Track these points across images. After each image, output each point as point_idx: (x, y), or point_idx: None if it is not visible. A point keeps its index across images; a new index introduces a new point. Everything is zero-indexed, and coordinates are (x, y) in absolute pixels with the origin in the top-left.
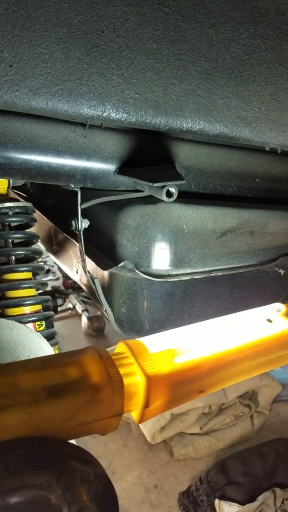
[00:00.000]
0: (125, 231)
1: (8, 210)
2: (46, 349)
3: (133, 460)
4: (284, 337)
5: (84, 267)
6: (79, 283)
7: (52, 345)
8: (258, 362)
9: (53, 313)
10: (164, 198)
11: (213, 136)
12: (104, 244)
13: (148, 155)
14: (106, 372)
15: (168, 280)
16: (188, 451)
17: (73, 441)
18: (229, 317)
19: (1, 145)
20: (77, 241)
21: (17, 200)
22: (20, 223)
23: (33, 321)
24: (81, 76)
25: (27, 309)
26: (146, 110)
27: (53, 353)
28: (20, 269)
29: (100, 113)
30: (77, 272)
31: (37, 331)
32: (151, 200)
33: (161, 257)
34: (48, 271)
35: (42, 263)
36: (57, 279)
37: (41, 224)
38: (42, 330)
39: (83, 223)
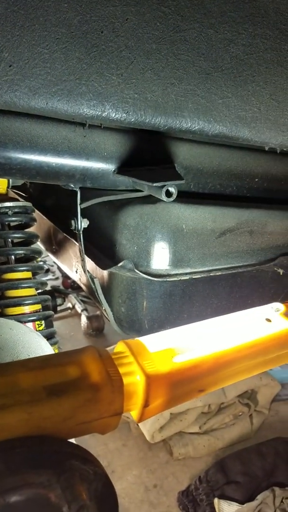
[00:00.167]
0: (125, 231)
1: (7, 210)
2: (45, 349)
3: (133, 459)
4: (283, 337)
5: (83, 266)
6: (78, 282)
7: (51, 344)
8: (257, 362)
9: (53, 312)
10: (164, 198)
11: (212, 136)
12: (104, 243)
13: (147, 155)
14: (106, 371)
15: (168, 279)
16: (187, 450)
17: (73, 440)
18: (228, 317)
19: (0, 145)
20: (76, 240)
21: (17, 200)
22: (20, 222)
23: (33, 321)
24: (80, 76)
25: (26, 309)
26: (145, 110)
27: (52, 352)
28: (20, 268)
29: (99, 113)
30: (76, 271)
31: (36, 330)
32: (150, 200)
33: (160, 257)
34: (47, 270)
35: (41, 263)
36: (57, 278)
37: (40, 223)
38: (42, 329)
39: (83, 223)
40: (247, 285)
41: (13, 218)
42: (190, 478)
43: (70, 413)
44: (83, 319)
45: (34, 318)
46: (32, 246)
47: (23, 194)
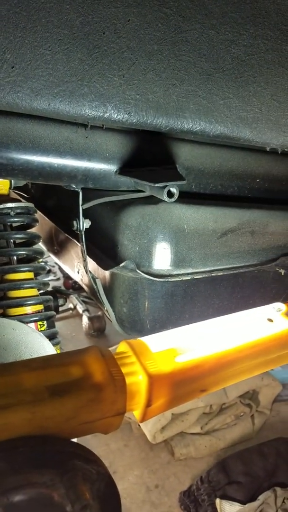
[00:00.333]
0: (126, 231)
1: (10, 211)
2: (48, 349)
3: (134, 460)
4: (284, 337)
5: (85, 267)
6: (80, 283)
7: (53, 345)
8: (259, 362)
9: (55, 313)
10: (165, 198)
11: (213, 136)
12: (106, 244)
13: (149, 155)
14: (109, 371)
15: (169, 280)
16: (189, 450)
17: (75, 440)
18: (230, 317)
19: (3, 146)
20: (78, 241)
21: (19, 201)
22: (22, 223)
23: (35, 321)
24: (82, 77)
25: (28, 309)
26: (147, 111)
27: (55, 352)
28: (22, 269)
29: (101, 114)
30: (78, 272)
31: (38, 331)
32: (152, 200)
33: (162, 257)
34: (49, 271)
35: (42, 264)
36: (58, 279)
37: (42, 224)
38: (44, 330)
39: (85, 223)
40: (248, 285)
41: (15, 219)
42: (191, 479)
43: (73, 413)
44: (85, 320)
45: (36, 318)
46: (34, 246)
47: (25, 195)
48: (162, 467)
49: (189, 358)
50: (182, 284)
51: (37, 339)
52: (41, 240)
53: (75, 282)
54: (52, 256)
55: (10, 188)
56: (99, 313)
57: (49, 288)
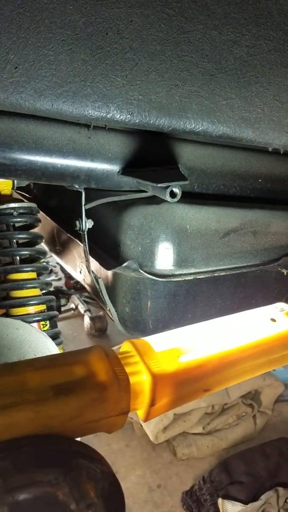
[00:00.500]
0: (129, 231)
1: (12, 211)
2: (51, 348)
3: (136, 460)
4: (287, 337)
5: (88, 267)
6: (82, 283)
7: (56, 344)
8: (262, 361)
9: (57, 313)
10: (168, 198)
11: (216, 137)
12: (108, 244)
13: (151, 155)
14: (113, 370)
15: (172, 280)
16: (191, 450)
17: (78, 439)
18: (233, 317)
19: (6, 146)
20: (81, 241)
21: (22, 201)
22: (25, 223)
23: (38, 321)
24: (85, 77)
25: (31, 309)
26: (149, 111)
27: (58, 352)
28: (25, 269)
29: (104, 114)
30: (80, 272)
31: (41, 330)
32: (154, 200)
33: (164, 257)
34: (50, 271)
35: (45, 263)
36: (59, 279)
37: (44, 224)
38: (47, 329)
39: (87, 223)
40: (251, 285)
41: (18, 219)
42: (193, 478)
43: (77, 412)
44: (86, 320)
45: (39, 318)
46: (37, 246)
47: (27, 195)
48: (164, 467)
49: (192, 358)
50: (184, 284)
51: (40, 338)
52: (43, 240)
53: (77, 282)
54: (54, 256)
55: (12, 188)
56: (101, 313)
57: (51, 288)
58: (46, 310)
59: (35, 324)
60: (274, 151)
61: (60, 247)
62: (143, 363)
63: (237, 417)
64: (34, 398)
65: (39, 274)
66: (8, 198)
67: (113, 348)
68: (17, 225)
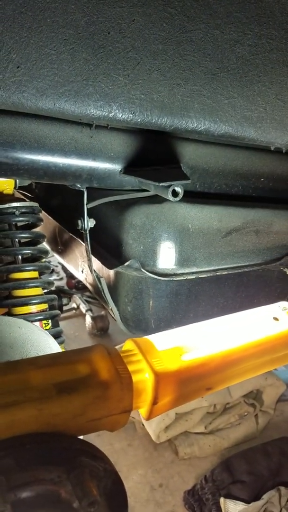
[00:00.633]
0: (131, 230)
1: (15, 210)
2: (54, 347)
3: (138, 459)
4: None
5: (90, 266)
6: (84, 282)
7: (58, 343)
8: (264, 360)
9: (59, 312)
10: (170, 197)
11: (218, 136)
12: (110, 243)
13: (153, 155)
14: (115, 369)
15: (174, 279)
16: (193, 450)
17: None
18: (236, 315)
19: (8, 145)
20: (83, 240)
21: (23, 200)
22: (27, 222)
23: (40, 320)
24: (87, 76)
25: (33, 308)
26: (151, 111)
27: (60, 351)
28: (27, 268)
29: (106, 113)
30: (82, 271)
31: (43, 329)
32: (156, 199)
33: (166, 256)
34: (52, 271)
35: (47, 263)
36: (61, 279)
37: (46, 224)
38: (49, 328)
39: (89, 223)
40: (253, 284)
41: (20, 218)
42: (195, 478)
43: (80, 410)
44: (88, 319)
45: (41, 317)
46: (39, 246)
47: (29, 195)
48: (166, 466)
49: (195, 357)
50: (186, 283)
51: (43, 337)
52: (45, 240)
53: (78, 282)
54: (56, 256)
55: (14, 187)
56: (102, 312)
57: (53, 288)
58: (48, 309)
59: (37, 323)
60: (276, 150)
61: (62, 247)
62: (145, 362)
63: (239, 416)
64: (37, 396)
65: (41, 273)
66: (10, 198)
67: (116, 347)
68: (19, 224)
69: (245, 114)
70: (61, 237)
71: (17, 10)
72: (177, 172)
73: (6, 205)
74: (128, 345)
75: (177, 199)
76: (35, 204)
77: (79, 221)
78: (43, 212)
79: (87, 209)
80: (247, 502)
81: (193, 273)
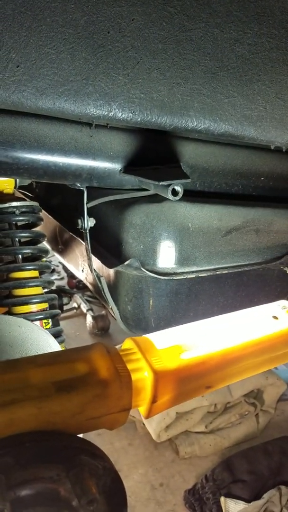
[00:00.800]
0: (131, 230)
1: (15, 210)
2: (53, 346)
3: (139, 458)
4: None
5: (90, 265)
6: (85, 281)
7: (58, 342)
8: (264, 359)
9: (59, 311)
10: (170, 196)
11: (218, 135)
12: (110, 242)
13: (153, 154)
14: (114, 367)
15: (174, 278)
16: (193, 449)
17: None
18: (235, 314)
19: (8, 145)
20: (83, 240)
21: (24, 200)
22: (27, 222)
23: (40, 319)
24: (87, 76)
25: (34, 307)
26: (151, 110)
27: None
28: (27, 267)
29: (106, 112)
30: (83, 270)
31: (43, 329)
32: (156, 198)
33: (166, 255)
34: (53, 270)
35: (47, 262)
36: (62, 278)
37: (46, 223)
38: (49, 328)
39: (89, 222)
40: (253, 283)
41: (20, 218)
42: (196, 477)
43: (79, 408)
44: (89, 319)
45: (41, 316)
46: (39, 245)
47: (30, 194)
48: (167, 465)
49: (194, 355)
50: (186, 282)
51: (42, 336)
52: (45, 239)
53: (79, 282)
54: (57, 255)
55: (15, 187)
56: (103, 312)
57: (53, 287)
58: (48, 309)
59: (37, 322)
60: (277, 149)
61: (63, 246)
62: (144, 360)
63: (239, 416)
64: (37, 394)
65: (41, 273)
66: (11, 197)
67: (116, 347)
68: (19, 223)
69: (245, 113)
70: (62, 236)
71: (16, 10)
72: (177, 171)
73: (7, 205)
74: (127, 343)
75: (177, 198)
76: (35, 204)
77: (79, 220)
78: (43, 211)
79: (87, 208)
80: (248, 501)
81: (193, 272)
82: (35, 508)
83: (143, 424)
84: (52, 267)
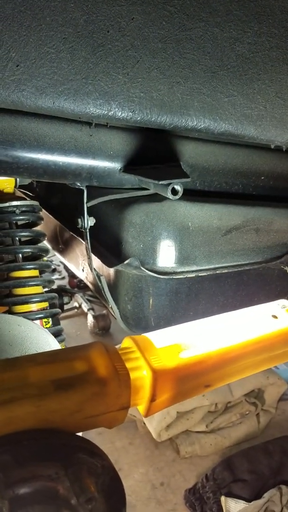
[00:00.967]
0: (131, 229)
1: (15, 209)
2: (53, 345)
3: (140, 457)
4: None
5: (90, 265)
6: (85, 281)
7: (59, 342)
8: (263, 358)
9: (60, 310)
10: (169, 195)
11: (218, 134)
12: (110, 242)
13: (153, 153)
14: (113, 366)
15: (174, 277)
16: (194, 448)
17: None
18: (235, 313)
19: (8, 144)
20: (83, 239)
21: (24, 199)
22: (27, 221)
23: (40, 318)
24: (87, 75)
25: (34, 306)
26: (151, 109)
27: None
28: (27, 266)
29: (106, 112)
30: (83, 270)
31: (43, 328)
32: (156, 198)
33: (166, 255)
34: (54, 270)
35: (48, 262)
36: (63, 278)
37: (47, 222)
38: (49, 327)
39: (89, 221)
40: (253, 283)
41: (21, 217)
42: (197, 476)
43: (78, 406)
44: (90, 319)
45: (41, 315)
46: (39, 244)
47: (30, 193)
48: (168, 465)
49: (193, 354)
50: (186, 282)
51: (42, 335)
52: (46, 238)
53: (80, 281)
54: (57, 255)
55: (15, 186)
56: (104, 311)
57: (54, 287)
58: (48, 308)
59: (37, 322)
60: (277, 148)
61: (63, 245)
62: (143, 359)
63: (240, 415)
64: (35, 392)
65: (41, 272)
66: (11, 196)
67: (115, 346)
68: (19, 223)
69: (245, 112)
70: (62, 236)
71: (16, 9)
72: (176, 170)
73: (7, 204)
74: (126, 342)
75: (177, 197)
76: (36, 203)
77: (79, 220)
78: (43, 210)
79: (87, 207)
80: (248, 500)
81: (193, 271)
82: (34, 506)
83: (144, 423)
84: (52, 267)
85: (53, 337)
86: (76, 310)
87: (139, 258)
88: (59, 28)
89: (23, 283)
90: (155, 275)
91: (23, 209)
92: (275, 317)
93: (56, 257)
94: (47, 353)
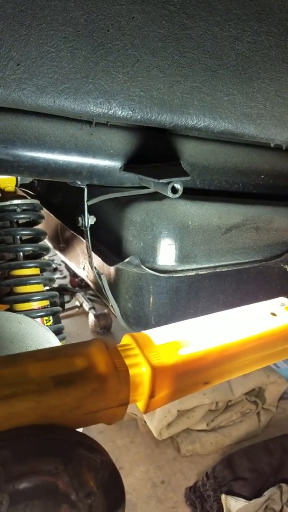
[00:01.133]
0: (131, 227)
1: (16, 207)
2: (53, 342)
3: (140, 456)
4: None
5: (91, 263)
6: (86, 279)
7: (59, 340)
8: (262, 355)
9: (60, 308)
10: (170, 194)
11: (218, 133)
12: (110, 240)
13: (153, 152)
14: (112, 362)
15: (174, 275)
16: (195, 447)
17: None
18: (234, 310)
19: (9, 143)
20: (83, 237)
21: (25, 198)
22: (28, 220)
23: (41, 316)
24: (87, 74)
25: (35, 304)
26: (151, 108)
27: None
28: (28, 265)
29: (106, 110)
30: (84, 268)
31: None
32: (156, 196)
33: (166, 253)
34: (55, 269)
35: (49, 260)
36: (64, 277)
37: (48, 221)
38: (50, 325)
39: (90, 220)
40: (253, 281)
41: (22, 216)
42: (197, 475)
43: (78, 403)
44: (91, 317)
45: (42, 313)
46: (40, 243)
47: (31, 192)
48: (168, 463)
49: (192, 351)
50: (186, 280)
51: (43, 332)
52: (47, 237)
53: (82, 280)
54: (58, 253)
55: (16, 185)
56: (105, 310)
57: (55, 285)
58: (49, 306)
59: (38, 319)
60: (276, 147)
61: (64, 244)
62: (142, 356)
63: (241, 414)
64: (35, 388)
65: (42, 270)
66: (12, 195)
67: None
68: (20, 221)
69: (245, 111)
70: (63, 234)
71: (17, 8)
72: (176, 169)
73: (8, 202)
74: (125, 339)
75: (177, 196)
76: (37, 202)
77: (80, 218)
78: (44, 209)
79: (88, 206)
80: (249, 499)
81: (193, 269)
82: (33, 501)
83: (145, 422)
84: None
85: (53, 334)
86: (77, 309)
87: (139, 256)
88: (59, 27)
89: (24, 281)
90: (156, 273)
91: (24, 207)
92: (273, 314)
93: (57, 256)
94: (47, 350)
